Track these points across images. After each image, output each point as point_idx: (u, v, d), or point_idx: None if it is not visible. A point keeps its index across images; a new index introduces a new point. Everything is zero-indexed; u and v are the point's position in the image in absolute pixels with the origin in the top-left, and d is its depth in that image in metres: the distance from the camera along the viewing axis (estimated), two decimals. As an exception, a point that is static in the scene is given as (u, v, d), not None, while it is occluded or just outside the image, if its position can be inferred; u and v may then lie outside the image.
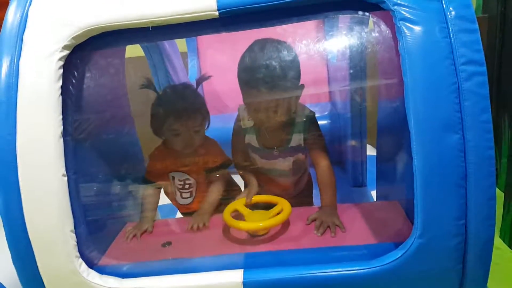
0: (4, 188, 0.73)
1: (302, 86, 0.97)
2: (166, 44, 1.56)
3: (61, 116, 0.73)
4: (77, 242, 0.76)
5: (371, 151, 1.66)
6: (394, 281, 0.71)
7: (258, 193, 1.01)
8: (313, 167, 1.03)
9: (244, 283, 0.72)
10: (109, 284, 0.76)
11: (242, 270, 0.74)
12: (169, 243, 0.91)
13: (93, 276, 0.77)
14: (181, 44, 1.94)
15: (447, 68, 0.65)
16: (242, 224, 0.87)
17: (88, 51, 0.82)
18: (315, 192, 1.13)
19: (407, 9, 0.67)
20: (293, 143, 1.03)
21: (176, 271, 0.77)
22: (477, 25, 0.66)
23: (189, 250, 0.89)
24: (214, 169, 1.06)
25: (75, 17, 0.74)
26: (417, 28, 0.66)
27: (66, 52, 0.74)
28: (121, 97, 1.15)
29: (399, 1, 0.67)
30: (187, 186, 1.08)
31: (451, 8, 0.66)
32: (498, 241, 1.52)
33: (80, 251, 0.77)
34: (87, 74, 0.87)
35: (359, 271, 0.71)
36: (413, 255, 0.69)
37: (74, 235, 0.75)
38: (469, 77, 0.65)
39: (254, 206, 0.98)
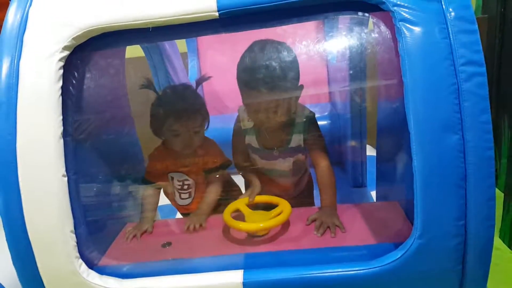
0: (4, 188, 0.73)
1: (302, 87, 0.97)
2: (166, 44, 1.56)
3: (61, 117, 0.73)
4: (77, 243, 0.76)
5: (371, 151, 1.66)
6: (394, 282, 0.71)
7: (260, 193, 1.01)
8: (313, 167, 1.03)
9: (244, 284, 0.72)
10: (109, 284, 0.76)
11: (242, 270, 0.74)
12: (169, 244, 0.91)
13: (93, 276, 0.77)
14: (181, 44, 1.94)
15: (446, 68, 0.65)
16: (242, 225, 0.87)
17: (88, 51, 0.82)
18: (315, 193, 1.13)
19: (407, 10, 0.67)
20: (293, 143, 1.03)
21: (176, 272, 0.77)
22: (476, 26, 0.66)
23: (189, 250, 0.89)
24: (213, 170, 1.06)
25: (75, 17, 0.74)
26: (417, 29, 0.66)
27: (66, 53, 0.74)
28: (121, 98, 1.15)
29: (398, 2, 0.67)
30: (185, 187, 1.08)
31: (450, 9, 0.67)
32: (497, 242, 1.53)
33: (80, 251, 0.77)
34: (87, 75, 0.88)
35: (359, 271, 0.71)
36: (413, 256, 0.69)
37: (74, 235, 0.75)
38: (468, 78, 0.65)
39: (254, 207, 0.98)
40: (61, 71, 0.74)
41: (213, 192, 1.04)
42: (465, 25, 0.66)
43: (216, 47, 2.00)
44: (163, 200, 1.13)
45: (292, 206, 0.90)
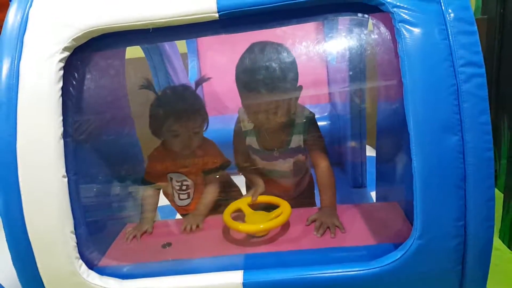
0: (4, 189, 0.73)
1: (300, 88, 0.97)
2: (166, 45, 1.56)
3: (61, 118, 0.73)
4: (77, 243, 0.76)
5: (370, 152, 1.67)
6: (393, 282, 0.71)
7: (262, 194, 1.01)
8: (313, 168, 1.03)
9: (244, 284, 0.72)
10: (109, 285, 0.76)
11: (242, 271, 0.74)
12: (169, 244, 0.91)
13: (93, 277, 0.77)
14: (181, 45, 1.95)
15: (446, 70, 0.65)
16: (241, 227, 0.87)
17: (89, 52, 0.82)
18: (316, 193, 1.13)
19: (406, 11, 0.67)
20: (293, 144, 1.03)
21: (176, 272, 0.77)
22: (476, 27, 0.66)
23: (189, 251, 0.89)
24: (212, 171, 1.06)
25: (75, 18, 0.74)
26: (416, 30, 0.66)
27: (66, 54, 0.74)
28: (121, 98, 1.15)
29: (398, 3, 0.67)
30: (184, 187, 1.08)
31: (450, 10, 0.67)
32: (497, 242, 1.53)
33: (80, 252, 0.77)
34: (88, 76, 0.88)
35: (358, 272, 0.71)
36: (412, 256, 0.69)
37: (74, 236, 0.75)
38: (468, 79, 0.65)
39: (254, 207, 0.98)
40: (61, 72, 0.74)
41: (211, 193, 1.04)
42: (464, 26, 0.66)
43: (216, 48, 2.01)
44: (163, 200, 1.13)
45: (293, 207, 0.90)
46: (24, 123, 0.72)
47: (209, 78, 1.14)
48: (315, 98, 1.95)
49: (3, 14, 0.78)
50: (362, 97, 1.57)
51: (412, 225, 0.70)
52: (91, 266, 0.79)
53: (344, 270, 0.71)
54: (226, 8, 0.71)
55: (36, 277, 0.76)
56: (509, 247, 1.50)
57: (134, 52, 1.37)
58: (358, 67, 1.39)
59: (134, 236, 0.95)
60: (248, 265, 0.78)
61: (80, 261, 0.76)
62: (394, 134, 0.92)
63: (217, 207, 1.05)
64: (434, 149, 0.66)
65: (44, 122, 0.73)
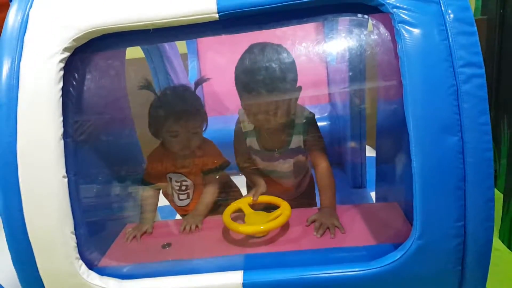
0: (4, 189, 0.73)
1: (300, 88, 0.97)
2: (166, 46, 1.56)
3: (61, 118, 0.74)
4: (77, 244, 0.76)
5: (370, 152, 1.67)
6: (393, 282, 0.72)
7: (264, 194, 1.01)
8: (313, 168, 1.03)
9: (244, 284, 0.72)
10: (109, 285, 0.76)
11: (242, 271, 0.74)
12: (169, 245, 0.91)
13: (93, 277, 0.77)
14: (181, 46, 1.95)
15: (445, 70, 0.66)
16: (241, 228, 0.87)
17: (89, 53, 0.82)
18: (316, 193, 1.13)
19: (406, 12, 0.67)
20: (293, 144, 1.03)
21: (176, 272, 0.77)
22: (475, 27, 0.67)
23: (189, 251, 0.89)
24: (211, 171, 1.06)
25: (75, 19, 0.74)
26: (416, 31, 0.66)
27: (66, 54, 0.74)
28: (121, 99, 1.16)
29: (398, 4, 0.67)
30: (184, 188, 1.08)
31: (449, 11, 0.67)
32: (497, 243, 1.53)
33: (80, 252, 0.77)
34: (88, 76, 0.88)
35: (358, 272, 0.71)
36: (412, 257, 0.69)
37: (74, 236, 0.75)
38: (467, 79, 0.65)
39: (255, 207, 0.98)
40: (62, 72, 0.74)
41: (210, 193, 1.05)
42: (464, 27, 0.66)
43: (216, 48, 2.01)
44: (163, 201, 1.13)
45: (294, 207, 0.90)
46: (24, 123, 0.72)
47: (208, 79, 1.14)
48: (315, 99, 1.95)
49: (3, 15, 0.78)
50: (362, 98, 1.57)
51: (411, 225, 0.70)
52: (91, 266, 0.79)
53: (344, 270, 0.71)
54: (226, 9, 0.71)
55: (36, 278, 0.76)
56: (508, 248, 1.50)
57: (134, 52, 1.37)
58: (358, 67, 1.39)
59: (134, 237, 0.95)
60: (248, 265, 0.78)
61: (80, 261, 0.76)
62: (394, 134, 0.92)
63: (216, 208, 1.05)
64: (434, 150, 0.66)
65: (44, 123, 0.73)
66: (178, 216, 1.21)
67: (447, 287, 0.72)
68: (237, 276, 0.73)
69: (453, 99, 0.65)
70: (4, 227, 0.75)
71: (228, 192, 1.11)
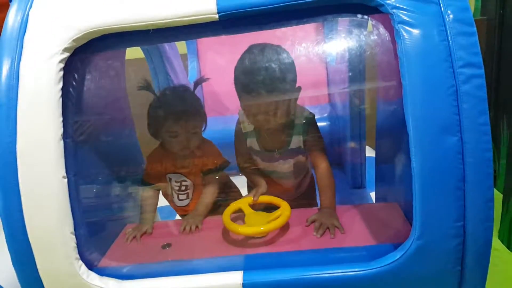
0: (4, 189, 0.73)
1: (299, 89, 0.97)
2: (166, 46, 1.56)
3: (61, 118, 0.74)
4: (77, 244, 0.76)
5: (370, 152, 1.67)
6: (393, 283, 0.72)
7: (265, 194, 1.01)
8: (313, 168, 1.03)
9: (244, 285, 0.72)
10: (109, 285, 0.76)
11: (242, 271, 0.74)
12: (169, 245, 0.91)
13: (92, 277, 0.77)
14: (181, 46, 1.95)
15: (445, 70, 0.66)
16: (240, 229, 0.87)
17: (89, 53, 0.82)
18: (316, 194, 1.13)
19: (406, 12, 0.67)
20: (293, 145, 1.03)
21: (176, 273, 0.77)
22: (475, 28, 0.67)
23: (189, 251, 0.89)
24: (210, 171, 1.06)
25: (75, 19, 0.74)
26: (416, 31, 0.67)
27: (66, 55, 0.74)
28: (121, 99, 1.16)
29: (397, 5, 0.68)
30: (183, 188, 1.08)
31: (449, 12, 0.67)
32: (496, 243, 1.53)
33: (80, 252, 0.77)
34: (88, 76, 0.88)
35: (358, 272, 0.71)
36: (411, 257, 0.69)
37: (74, 236, 0.75)
38: (467, 80, 0.66)
39: (255, 207, 0.98)
40: (62, 72, 0.74)
41: (209, 193, 1.04)
42: (463, 27, 0.67)
43: (216, 48, 2.01)
44: (163, 201, 1.13)
45: (295, 207, 0.90)
46: (24, 123, 0.72)
47: (207, 79, 1.14)
48: (315, 99, 1.95)
49: (3, 15, 0.78)
50: (362, 98, 1.58)
51: (411, 225, 0.70)
52: (90, 266, 0.79)
53: (344, 270, 0.72)
54: (226, 9, 0.71)
55: (35, 278, 0.76)
56: (508, 248, 1.50)
57: (134, 53, 1.37)
58: (357, 68, 1.39)
59: (134, 237, 0.95)
60: (247, 266, 0.78)
61: (80, 261, 0.76)
62: (393, 134, 0.92)
63: (216, 208, 1.05)
64: (433, 150, 0.66)
65: (44, 123, 0.73)
66: (178, 217, 1.21)
67: (447, 287, 0.73)
68: (237, 277, 0.73)
69: (452, 100, 0.65)
70: (3, 228, 0.75)
71: (228, 192, 1.11)
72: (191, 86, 1.09)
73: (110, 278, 0.78)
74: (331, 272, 0.72)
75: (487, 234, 0.68)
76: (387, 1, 0.68)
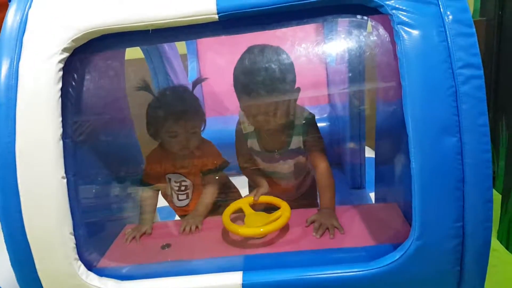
0: (3, 189, 0.73)
1: (298, 89, 0.97)
2: (166, 46, 1.56)
3: (60, 118, 0.73)
4: (76, 244, 0.76)
5: (369, 153, 1.67)
6: (392, 283, 0.72)
7: (265, 194, 1.01)
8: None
9: (244, 285, 0.72)
10: (108, 286, 0.76)
11: (242, 272, 0.74)
12: (169, 245, 0.91)
13: (92, 278, 0.76)
14: (181, 46, 1.95)
15: (444, 71, 0.66)
16: (240, 230, 0.87)
17: (88, 53, 0.82)
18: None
19: (405, 13, 0.67)
20: (293, 145, 1.03)
21: (175, 273, 0.77)
22: (474, 29, 0.67)
23: (189, 252, 0.89)
24: (210, 171, 1.06)
25: (75, 19, 0.74)
26: (415, 32, 0.67)
27: (66, 55, 0.74)
28: (120, 100, 1.15)
29: (397, 5, 0.68)
30: (183, 188, 1.08)
31: (448, 13, 0.67)
32: (495, 243, 1.53)
33: (79, 253, 0.76)
34: (87, 77, 0.88)
35: (357, 273, 0.71)
36: (411, 257, 0.69)
37: (73, 237, 0.75)
38: (466, 81, 0.66)
39: (256, 208, 0.98)
40: (61, 72, 0.74)
41: (209, 193, 1.04)
42: (463, 28, 0.67)
43: (216, 48, 2.01)
44: (163, 202, 1.13)
45: (295, 208, 0.90)
46: (23, 123, 0.72)
47: (206, 78, 1.14)
48: (315, 100, 1.95)
49: (2, 15, 0.78)
50: (361, 99, 1.58)
51: (410, 226, 0.70)
52: (90, 267, 0.79)
53: (343, 271, 0.72)
54: (226, 10, 0.71)
55: (34, 279, 0.76)
56: (507, 248, 1.50)
57: (133, 53, 1.37)
58: (357, 68, 1.40)
59: (134, 237, 0.95)
60: (247, 266, 0.78)
61: (79, 262, 0.76)
62: (393, 135, 0.92)
63: (216, 208, 1.05)
64: (433, 151, 0.66)
65: (43, 123, 0.73)
66: (177, 217, 1.20)
67: (446, 287, 0.73)
68: (236, 277, 0.73)
69: (452, 100, 0.66)
70: (2, 228, 0.74)
71: (227, 193, 1.11)
72: (191, 86, 1.09)
73: (109, 279, 0.78)
74: (331, 272, 0.72)
75: (486, 234, 0.68)
76: (387, 2, 0.68)
